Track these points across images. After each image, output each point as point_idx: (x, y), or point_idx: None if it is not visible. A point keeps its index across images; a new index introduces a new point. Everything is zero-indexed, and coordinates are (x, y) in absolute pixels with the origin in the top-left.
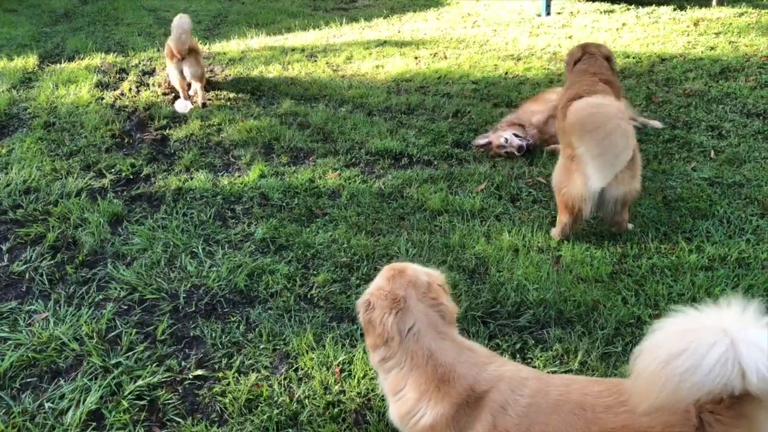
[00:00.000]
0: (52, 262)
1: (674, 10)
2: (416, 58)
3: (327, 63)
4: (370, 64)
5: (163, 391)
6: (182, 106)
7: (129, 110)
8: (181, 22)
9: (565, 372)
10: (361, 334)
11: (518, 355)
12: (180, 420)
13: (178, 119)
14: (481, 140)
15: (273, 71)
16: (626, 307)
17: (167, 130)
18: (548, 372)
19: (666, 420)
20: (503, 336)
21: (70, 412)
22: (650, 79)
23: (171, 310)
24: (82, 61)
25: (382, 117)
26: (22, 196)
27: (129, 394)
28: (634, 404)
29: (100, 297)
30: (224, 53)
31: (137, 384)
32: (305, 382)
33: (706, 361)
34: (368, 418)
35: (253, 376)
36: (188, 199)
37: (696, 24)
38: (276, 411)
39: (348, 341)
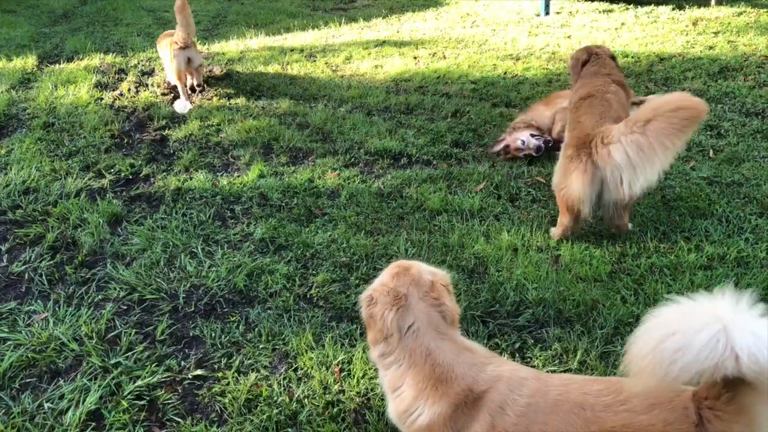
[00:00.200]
0: (51, 262)
1: (673, 9)
2: (415, 58)
3: (326, 63)
4: (369, 64)
5: (163, 391)
6: (181, 106)
7: (128, 110)
8: (184, 3)
9: (565, 371)
10: (361, 334)
11: (517, 355)
12: (179, 420)
13: (177, 119)
14: (497, 146)
15: (272, 71)
16: (625, 306)
17: (166, 131)
18: (547, 371)
19: (665, 417)
20: (502, 335)
21: (70, 413)
22: (649, 78)
23: (170, 310)
24: (81, 62)
25: (381, 117)
26: (21, 196)
27: (128, 394)
28: (629, 386)
29: (100, 297)
30: (223, 53)
31: (137, 384)
32: (305, 382)
33: (697, 340)
34: (367, 417)
35: (252, 376)
36: (187, 199)
37: (695, 23)
38: (275, 411)
39: (347, 341)
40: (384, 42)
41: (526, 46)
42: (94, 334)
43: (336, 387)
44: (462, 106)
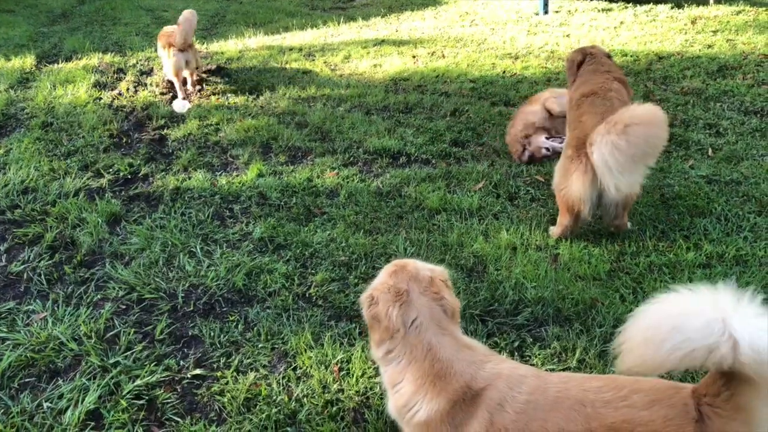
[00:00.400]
0: (50, 262)
1: (672, 8)
2: (414, 57)
3: (325, 62)
4: (368, 63)
5: (162, 391)
6: (180, 105)
7: (127, 110)
8: (192, 17)
9: (564, 370)
10: (360, 333)
11: (516, 353)
12: (178, 419)
13: (176, 119)
14: (523, 157)
15: (271, 71)
16: (624, 304)
17: (165, 130)
18: (546, 370)
19: (665, 414)
20: (501, 334)
21: (69, 412)
22: (648, 77)
23: (169, 310)
24: (79, 61)
25: (380, 116)
26: (20, 196)
27: (127, 393)
28: (620, 363)
29: (99, 297)
30: (222, 53)
31: (136, 383)
32: (304, 381)
33: (692, 322)
34: (367, 416)
35: (251, 375)
36: (186, 198)
37: (693, 22)
38: (274, 410)
39: (346, 340)
40: (383, 41)
41: (524, 45)
42: (93, 334)
43: (335, 386)
44: (461, 105)
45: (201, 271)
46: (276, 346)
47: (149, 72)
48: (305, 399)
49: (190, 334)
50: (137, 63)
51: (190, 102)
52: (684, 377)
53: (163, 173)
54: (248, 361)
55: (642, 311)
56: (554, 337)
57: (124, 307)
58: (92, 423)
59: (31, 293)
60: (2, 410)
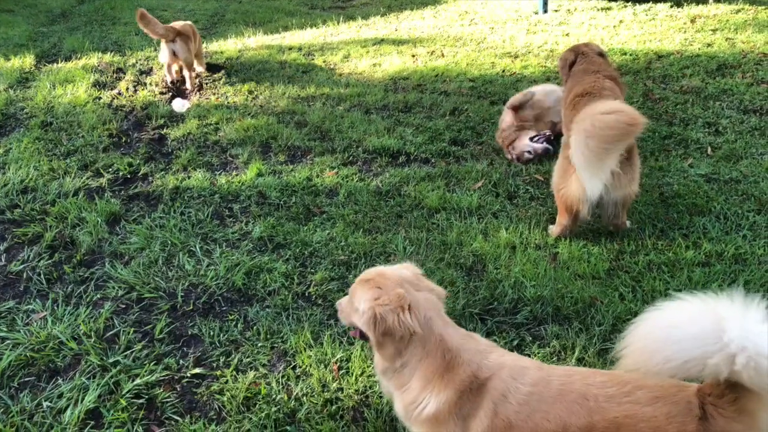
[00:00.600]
0: (49, 261)
1: (671, 7)
2: (413, 56)
3: (324, 61)
4: (368, 62)
5: (161, 390)
6: (179, 105)
7: (126, 110)
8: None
9: None
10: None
11: (516, 352)
12: (178, 418)
13: (175, 118)
14: (509, 156)
15: (270, 70)
16: (623, 303)
17: (164, 130)
18: None
19: (668, 411)
20: (501, 333)
21: (69, 411)
22: (647, 76)
23: (169, 309)
24: (79, 61)
25: (380, 115)
26: (19, 195)
27: (127, 392)
28: (621, 367)
29: (98, 296)
30: (221, 52)
31: (135, 383)
32: (303, 380)
33: (688, 333)
34: (366, 415)
35: (251, 374)
36: (186, 198)
37: (693, 21)
38: (274, 409)
39: (345, 339)
40: (382, 40)
41: (524, 44)
42: (92, 333)
43: (334, 385)
44: (460, 104)
45: (200, 270)
46: (275, 345)
47: (149, 71)
48: (305, 398)
49: (189, 333)
50: (137, 62)
51: (189, 101)
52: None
53: (162, 173)
54: (248, 360)
55: (643, 318)
56: (553, 336)
57: (123, 306)
58: (92, 422)
59: (31, 293)
60: (2, 409)
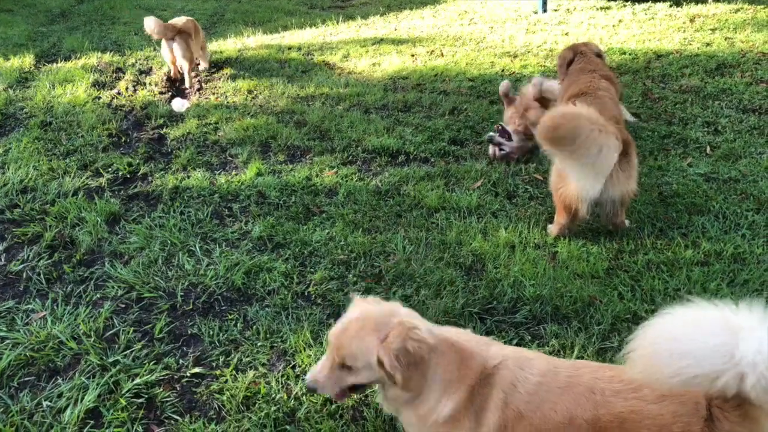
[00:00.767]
0: (49, 261)
1: (670, 6)
2: (413, 55)
3: (323, 61)
4: (367, 62)
5: (161, 389)
6: (179, 104)
7: (126, 109)
8: (147, 21)
9: None
10: None
11: None
12: (178, 418)
13: (174, 118)
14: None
15: (270, 69)
16: (622, 302)
17: (164, 129)
18: None
19: (675, 410)
20: (500, 332)
21: (68, 411)
22: (646, 75)
23: (168, 309)
24: (78, 61)
25: (379, 115)
26: (19, 195)
27: (127, 392)
28: (628, 370)
29: (98, 296)
30: (221, 52)
31: (135, 382)
32: (303, 379)
33: (697, 348)
34: (365, 414)
35: (250, 374)
36: (185, 197)
37: (692, 20)
38: (273, 408)
39: None
40: (382, 40)
41: (523, 43)
42: (92, 333)
43: None
44: (459, 104)
45: (200, 269)
46: (275, 344)
47: (148, 71)
48: (304, 397)
49: (189, 332)
50: (136, 62)
51: (189, 101)
52: None
53: (162, 172)
54: (247, 359)
55: (654, 322)
56: (552, 335)
57: (123, 306)
58: (92, 421)
59: (31, 292)
60: (2, 409)
